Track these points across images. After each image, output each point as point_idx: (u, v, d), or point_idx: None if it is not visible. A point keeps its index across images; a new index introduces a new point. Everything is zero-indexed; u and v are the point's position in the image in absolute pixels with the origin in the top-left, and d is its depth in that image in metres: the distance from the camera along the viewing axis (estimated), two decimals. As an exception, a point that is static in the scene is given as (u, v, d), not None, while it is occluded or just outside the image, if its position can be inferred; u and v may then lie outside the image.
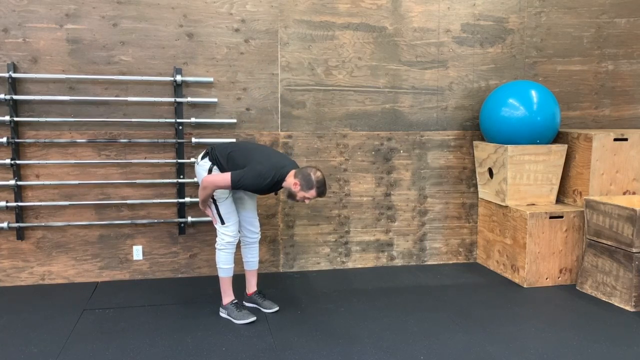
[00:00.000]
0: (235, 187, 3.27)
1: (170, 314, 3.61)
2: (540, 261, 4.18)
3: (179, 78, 4.10)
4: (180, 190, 4.24)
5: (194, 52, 4.19)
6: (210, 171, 3.44)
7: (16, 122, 3.96)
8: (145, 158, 4.20)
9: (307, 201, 3.33)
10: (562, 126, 4.78)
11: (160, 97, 4.16)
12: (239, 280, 3.92)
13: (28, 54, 3.97)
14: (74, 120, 4.04)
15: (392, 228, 4.69)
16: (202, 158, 3.50)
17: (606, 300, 3.90)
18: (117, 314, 3.59)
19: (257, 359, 2.99)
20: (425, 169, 4.69)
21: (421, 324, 3.47)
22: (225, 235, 3.48)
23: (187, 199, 4.23)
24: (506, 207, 4.36)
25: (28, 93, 4.00)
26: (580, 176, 4.32)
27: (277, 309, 3.66)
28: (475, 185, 4.78)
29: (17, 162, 3.98)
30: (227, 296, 3.57)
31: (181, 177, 4.22)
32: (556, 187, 4.40)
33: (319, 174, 3.28)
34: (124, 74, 4.10)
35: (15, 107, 3.95)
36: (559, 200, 4.52)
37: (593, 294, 4.02)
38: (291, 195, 3.33)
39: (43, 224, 4.09)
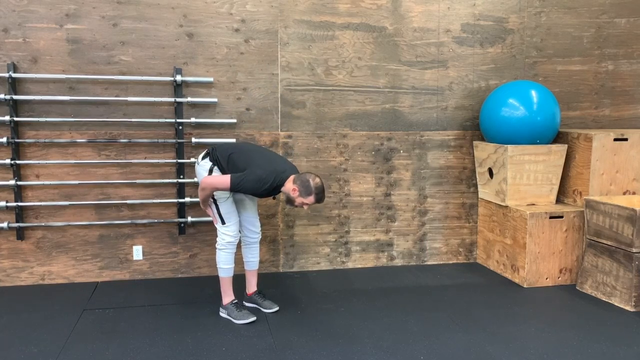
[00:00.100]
0: (234, 190, 3.28)
1: (170, 314, 3.61)
2: (540, 261, 4.18)
3: (179, 78, 4.10)
4: (180, 190, 4.24)
5: (194, 52, 4.19)
6: (210, 171, 3.44)
7: (16, 122, 3.96)
8: (145, 158, 4.20)
9: (305, 207, 3.34)
10: (562, 126, 4.79)
11: (160, 97, 4.16)
12: (239, 280, 3.92)
13: (28, 54, 3.97)
14: (74, 120, 4.04)
15: (392, 228, 4.69)
16: (203, 158, 3.50)
17: (606, 300, 3.90)
18: (117, 314, 3.59)
19: (257, 359, 2.99)
20: (425, 169, 4.69)
21: (421, 324, 3.47)
22: (226, 235, 3.48)
23: (187, 199, 4.23)
24: (506, 207, 4.36)
25: (28, 93, 4.00)
26: (580, 176, 4.32)
27: (277, 309, 3.66)
28: (475, 185, 4.78)
29: (17, 162, 3.98)
30: (227, 296, 3.57)
31: (181, 177, 4.22)
32: (556, 187, 4.40)
33: (317, 180, 3.29)
34: (124, 74, 4.10)
35: (15, 107, 3.95)
36: (559, 200, 4.52)
37: (593, 294, 4.02)
38: (290, 201, 3.34)
39: (43, 224, 4.09)
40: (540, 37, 4.74)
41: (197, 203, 4.24)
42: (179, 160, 4.18)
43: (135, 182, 4.18)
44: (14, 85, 3.94)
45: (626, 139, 4.23)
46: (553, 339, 3.26)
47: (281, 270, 4.54)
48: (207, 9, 4.18)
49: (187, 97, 4.17)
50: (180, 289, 4.09)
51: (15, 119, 3.93)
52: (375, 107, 4.54)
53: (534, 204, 4.36)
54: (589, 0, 4.78)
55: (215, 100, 4.22)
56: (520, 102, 4.26)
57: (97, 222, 4.16)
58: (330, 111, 4.47)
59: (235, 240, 3.50)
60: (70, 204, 4.12)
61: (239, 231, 3.57)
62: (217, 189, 3.34)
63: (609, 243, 3.88)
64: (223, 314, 3.57)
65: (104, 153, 4.15)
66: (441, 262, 4.81)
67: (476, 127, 4.73)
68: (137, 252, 4.27)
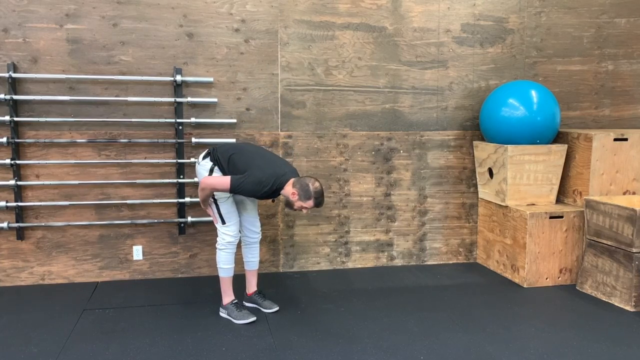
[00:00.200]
0: (234, 191, 3.28)
1: (170, 314, 3.61)
2: (540, 261, 4.18)
3: (179, 78, 4.10)
4: (180, 190, 4.24)
5: (194, 52, 4.19)
6: (211, 171, 3.44)
7: (16, 122, 3.96)
8: (145, 158, 4.20)
9: (304, 211, 3.35)
10: (562, 126, 4.79)
11: (160, 97, 4.16)
12: (239, 280, 3.92)
13: (28, 54, 3.97)
14: (74, 120, 4.04)
15: (392, 228, 4.69)
16: (204, 158, 3.50)
17: (606, 300, 3.90)
18: (117, 314, 3.59)
19: (257, 359, 2.99)
20: (425, 169, 4.69)
21: (421, 324, 3.47)
22: (226, 235, 3.48)
23: (187, 199, 4.23)
24: (506, 207, 4.36)
25: (28, 93, 4.00)
26: (580, 176, 4.32)
27: (277, 309, 3.66)
28: (475, 185, 4.78)
29: (17, 162, 3.98)
30: (227, 296, 3.57)
31: (181, 177, 4.22)
32: (556, 187, 4.40)
33: (317, 184, 3.30)
34: (124, 74, 4.10)
35: (15, 107, 3.95)
36: (559, 200, 4.52)
37: (593, 294, 4.02)
38: (289, 204, 3.35)
39: (43, 224, 4.09)
40: (540, 37, 4.74)
41: (197, 203, 4.24)
42: (179, 160, 4.18)
43: (135, 182, 4.18)
44: (14, 85, 3.94)
45: (626, 139, 4.23)
46: (553, 339, 3.26)
47: (281, 270, 4.54)
48: (207, 9, 4.18)
49: (187, 97, 4.17)
50: (180, 289, 4.09)
51: (15, 119, 3.93)
52: (375, 107, 4.54)
53: (534, 204, 4.36)
54: (589, 0, 4.78)
55: (215, 100, 4.22)
56: (520, 102, 4.26)
57: (97, 222, 4.16)
58: (330, 111, 4.47)
59: (235, 240, 3.50)
60: (70, 204, 4.12)
61: (239, 231, 3.57)
62: (217, 190, 3.34)
63: (609, 243, 3.88)
64: (223, 314, 3.57)
65: (104, 153, 4.15)
66: (441, 262, 4.81)
67: (476, 127, 4.73)
68: (137, 252, 4.27)
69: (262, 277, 4.21)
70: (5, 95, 3.88)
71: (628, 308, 3.74)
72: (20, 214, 4.05)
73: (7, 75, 3.86)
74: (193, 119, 4.17)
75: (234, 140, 4.24)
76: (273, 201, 4.36)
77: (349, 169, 4.55)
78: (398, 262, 4.74)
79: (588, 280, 4.06)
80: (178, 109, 4.16)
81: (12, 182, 3.97)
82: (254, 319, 3.48)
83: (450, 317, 3.58)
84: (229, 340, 3.22)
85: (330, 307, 3.74)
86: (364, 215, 4.62)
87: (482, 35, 4.64)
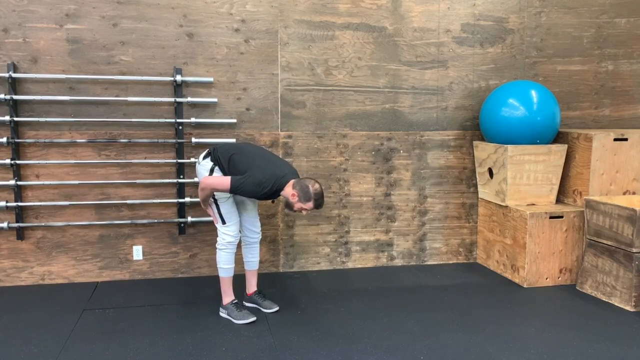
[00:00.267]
0: (234, 192, 3.29)
1: (170, 314, 3.61)
2: (540, 261, 4.18)
3: (179, 78, 4.10)
4: (180, 190, 4.24)
5: (194, 52, 4.19)
6: (211, 171, 3.44)
7: (16, 122, 3.96)
8: (145, 158, 4.20)
9: (304, 212, 3.34)
10: (562, 126, 4.79)
11: (160, 97, 4.16)
12: (239, 280, 3.92)
13: (28, 54, 3.97)
14: (74, 120, 4.04)
15: (392, 228, 4.69)
16: (204, 158, 3.50)
17: (606, 300, 3.90)
18: (117, 314, 3.59)
19: (257, 359, 2.99)
20: (425, 169, 4.69)
21: (421, 324, 3.47)
22: (226, 235, 3.48)
23: (187, 199, 4.23)
24: (506, 207, 4.36)
25: (28, 93, 4.00)
26: (580, 176, 4.32)
27: (277, 309, 3.66)
28: (475, 185, 4.78)
29: (17, 162, 3.98)
30: (227, 296, 3.57)
31: (181, 177, 4.22)
32: (556, 187, 4.40)
33: (317, 186, 3.30)
34: (124, 74, 4.10)
35: (15, 107, 3.95)
36: (559, 200, 4.52)
37: (593, 294, 4.02)
38: (289, 205, 3.35)
39: (43, 224, 4.09)
40: (540, 37, 4.74)
41: (197, 203, 4.25)
42: (179, 160, 4.18)
43: (135, 182, 4.18)
44: (14, 85, 3.94)
45: (626, 139, 4.23)
46: (553, 339, 3.26)
47: (281, 270, 4.54)
48: (207, 9, 4.18)
49: (187, 97, 4.17)
50: (180, 289, 4.09)
51: (15, 119, 3.93)
52: (375, 107, 4.54)
53: (534, 204, 4.36)
54: (589, 0, 4.78)
55: (215, 100, 4.22)
56: (520, 102, 4.26)
57: (97, 222, 4.16)
58: (330, 111, 4.47)
59: (235, 240, 3.50)
60: (70, 204, 4.12)
61: (239, 231, 3.57)
62: (217, 190, 3.35)
63: (609, 243, 3.88)
64: (223, 314, 3.57)
65: (104, 153, 4.15)
66: (441, 262, 4.81)
67: (476, 127, 4.73)
68: (137, 252, 4.27)
69: (262, 277, 4.21)
70: (5, 95, 3.88)
71: (628, 308, 3.74)
72: (20, 214, 4.05)
73: (7, 75, 3.86)
74: (193, 119, 4.17)
75: (234, 140, 4.24)
76: (273, 202, 4.37)
77: (349, 169, 4.55)
78: (398, 262, 4.74)
79: (588, 280, 4.06)
80: (178, 109, 4.16)
81: (12, 182, 3.97)
82: (254, 319, 3.48)
83: (450, 317, 3.58)
84: (229, 340, 3.22)
85: (330, 307, 3.74)
86: (364, 215, 4.62)
87: (482, 35, 4.64)
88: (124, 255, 4.26)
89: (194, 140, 4.18)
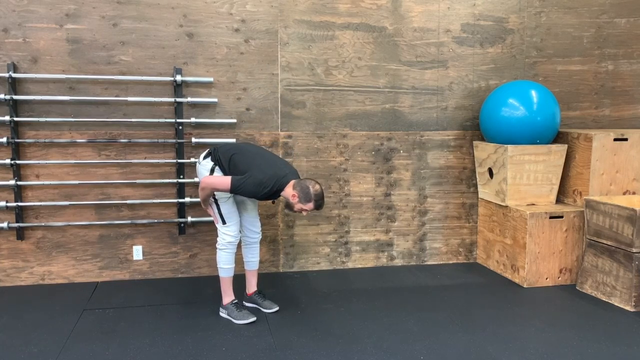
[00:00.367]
0: (234, 192, 3.28)
1: (170, 314, 3.61)
2: (540, 261, 4.18)
3: (179, 78, 4.10)
4: (180, 190, 4.24)
5: (194, 52, 4.19)
6: (212, 171, 3.44)
7: (16, 122, 3.96)
8: (145, 158, 4.20)
9: (304, 213, 3.34)
10: (562, 126, 4.79)
11: (160, 97, 4.16)
12: (239, 280, 3.92)
13: (28, 54, 3.97)
14: (74, 120, 4.04)
15: (392, 228, 4.69)
16: (204, 158, 3.50)
17: (606, 300, 3.90)
18: (117, 314, 3.59)
19: (257, 359, 2.99)
20: (425, 169, 4.69)
21: (421, 324, 3.47)
22: (227, 235, 3.48)
23: (187, 199, 4.23)
24: (506, 207, 4.36)
25: (28, 93, 4.00)
26: (580, 176, 4.32)
27: (277, 309, 3.66)
28: (475, 185, 4.78)
29: (17, 162, 3.98)
30: (227, 296, 3.57)
31: (181, 177, 4.22)
32: (556, 187, 4.40)
33: (317, 187, 3.30)
34: (124, 74, 4.10)
35: (15, 107, 3.95)
36: (559, 200, 4.52)
37: (593, 294, 4.02)
38: (289, 206, 3.35)
39: (43, 224, 4.09)
40: (540, 37, 4.74)
41: (197, 203, 4.25)
42: (179, 160, 4.18)
43: (135, 182, 4.18)
44: (14, 85, 3.94)
45: (626, 139, 4.23)
46: (553, 339, 3.26)
47: (281, 270, 4.54)
48: (207, 9, 4.18)
49: (187, 97, 4.17)
50: (180, 289, 4.09)
51: (15, 119, 3.93)
52: (375, 107, 4.54)
53: (534, 204, 4.36)
54: (589, 0, 4.78)
55: (215, 100, 4.22)
56: (520, 102, 4.26)
57: (97, 222, 4.16)
58: (330, 111, 4.47)
59: (235, 241, 3.50)
60: (70, 204, 4.12)
61: (240, 231, 3.57)
62: (217, 190, 3.35)
63: (609, 243, 3.88)
64: (223, 314, 3.57)
65: (104, 153, 4.15)
66: (441, 262, 4.81)
67: (476, 127, 4.73)
68: (137, 252, 4.27)
69: (262, 277, 4.21)
70: (5, 95, 3.88)
71: (628, 308, 3.74)
72: (20, 214, 4.05)
73: (7, 75, 3.86)
74: (193, 119, 4.17)
75: (234, 140, 4.24)
76: (273, 202, 4.37)
77: (349, 169, 4.55)
78: (398, 262, 4.74)
79: (588, 280, 4.06)
80: (178, 109, 4.16)
81: (12, 182, 3.97)
82: (254, 319, 3.48)
83: (450, 317, 3.58)
84: (229, 340, 3.22)
85: (330, 307, 3.74)
86: (364, 215, 4.62)
87: (482, 35, 4.64)
88: (124, 255, 4.26)
89: (194, 140, 4.18)
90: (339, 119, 4.49)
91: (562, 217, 4.18)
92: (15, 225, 4.03)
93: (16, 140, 3.96)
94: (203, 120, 4.20)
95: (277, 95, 4.36)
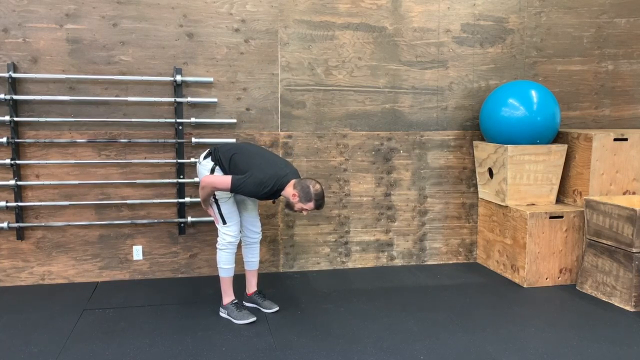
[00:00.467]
0: (234, 191, 3.28)
1: (170, 314, 3.61)
2: (540, 261, 4.18)
3: (179, 78, 4.10)
4: (180, 190, 4.24)
5: (194, 52, 4.19)
6: (212, 171, 3.44)
7: (16, 122, 3.96)
8: (145, 158, 4.20)
9: (305, 212, 3.34)
10: (562, 126, 4.79)
11: (160, 97, 4.16)
12: (239, 280, 3.92)
13: (28, 54, 3.97)
14: (74, 120, 4.04)
15: (392, 228, 4.69)
16: (205, 158, 3.50)
17: (606, 300, 3.90)
18: (117, 314, 3.59)
19: (257, 359, 2.99)
20: (425, 169, 4.69)
21: (421, 324, 3.47)
22: (227, 235, 3.48)
23: (187, 199, 4.23)
24: (506, 207, 4.36)
25: (28, 93, 4.00)
26: (580, 176, 4.32)
27: (277, 309, 3.66)
28: (475, 185, 4.78)
29: (17, 162, 3.98)
30: (228, 296, 3.57)
31: (181, 177, 4.22)
32: (556, 187, 4.40)
33: (318, 186, 3.30)
34: (124, 74, 4.10)
35: (15, 107, 3.95)
36: (559, 200, 4.52)
37: (593, 294, 4.02)
38: (289, 206, 3.35)
39: (43, 224, 4.09)
40: (540, 37, 4.74)
41: (197, 203, 4.24)
42: (179, 160, 4.18)
43: (135, 182, 4.18)
44: (14, 85, 3.94)
45: (626, 139, 4.23)
46: (553, 339, 3.26)
47: (281, 270, 4.54)
48: (207, 9, 4.18)
49: (187, 97, 4.17)
50: (180, 289, 4.09)
51: (15, 119, 3.93)
52: (375, 107, 4.54)
53: (534, 204, 4.36)
54: (589, 0, 4.78)
55: (215, 100, 4.22)
56: (520, 102, 4.26)
57: (97, 222, 4.16)
58: (330, 111, 4.47)
59: (236, 241, 3.50)
60: (70, 204, 4.12)
61: (240, 231, 3.57)
62: (217, 189, 3.34)
63: (609, 243, 3.88)
64: (223, 314, 3.57)
65: (104, 153, 4.15)
66: (441, 262, 4.81)
67: (476, 127, 4.73)
68: (137, 252, 4.27)
69: (262, 277, 4.21)
70: (5, 95, 3.88)
71: (628, 308, 3.74)
72: (20, 214, 4.05)
73: (7, 75, 3.86)
74: (193, 119, 4.17)
75: (234, 140, 4.24)
76: (274, 202, 4.37)
77: (349, 169, 4.55)
78: (398, 262, 4.74)
79: (588, 280, 4.06)
80: (178, 109, 4.16)
81: (12, 182, 3.97)
82: (254, 319, 3.48)
83: (450, 317, 3.58)
84: (229, 340, 3.22)
85: (330, 307, 3.74)
86: (364, 215, 4.62)
87: (482, 35, 4.64)
88: (124, 255, 4.26)
89: (194, 140, 4.18)
90: (339, 119, 4.49)
91: (562, 217, 4.18)
92: (15, 225, 4.03)
93: (16, 140, 3.96)
94: (203, 120, 4.20)
95: (277, 95, 4.36)
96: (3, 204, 3.98)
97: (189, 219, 4.25)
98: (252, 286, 3.77)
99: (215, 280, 3.91)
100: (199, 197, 4.06)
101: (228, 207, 3.46)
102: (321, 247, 4.58)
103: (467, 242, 4.84)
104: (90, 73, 4.06)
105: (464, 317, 3.59)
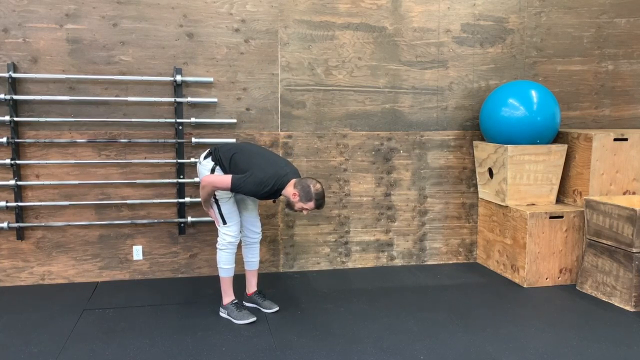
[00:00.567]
0: (234, 191, 3.28)
1: (170, 314, 3.61)
2: (540, 261, 4.18)
3: (179, 78, 4.10)
4: (180, 190, 4.24)
5: (194, 52, 4.19)
6: (212, 171, 3.44)
7: (16, 122, 3.96)
8: (145, 158, 4.20)
9: (305, 212, 3.34)
10: (562, 126, 4.79)
11: (160, 97, 4.16)
12: (239, 280, 3.92)
13: (28, 54, 3.97)
14: (74, 120, 4.04)
15: (392, 228, 4.69)
16: (205, 158, 3.50)
17: (606, 300, 3.90)
18: (117, 314, 3.59)
19: (257, 359, 2.99)
20: (425, 169, 4.69)
21: (421, 324, 3.47)
22: (227, 235, 3.48)
23: (187, 199, 4.23)
24: (506, 207, 4.36)
25: (28, 93, 4.00)
26: (580, 176, 4.32)
27: (277, 309, 3.66)
28: (475, 185, 4.78)
29: (17, 162, 3.98)
30: (228, 296, 3.57)
31: (181, 177, 4.22)
32: (556, 187, 4.40)
33: (318, 186, 3.30)
34: (124, 74, 4.10)
35: (15, 107, 3.95)
36: (559, 200, 4.52)
37: (593, 294, 4.02)
38: (289, 205, 3.35)
39: (43, 224, 4.09)
40: (540, 37, 4.74)
41: (197, 203, 4.24)
42: (179, 160, 4.18)
43: (135, 182, 4.18)
44: (14, 85, 3.94)
45: (626, 139, 4.23)
46: (553, 339, 3.26)
47: (281, 270, 4.54)
48: (207, 9, 4.18)
49: (187, 97, 4.17)
50: (180, 289, 4.09)
51: (15, 119, 3.93)
52: (375, 107, 4.54)
53: (534, 204, 4.36)
54: (589, 0, 4.78)
55: (215, 100, 4.22)
56: (520, 102, 4.26)
57: (97, 222, 4.16)
58: (330, 111, 4.47)
59: (236, 241, 3.50)
60: (70, 204, 4.12)
61: (240, 231, 3.57)
62: (218, 189, 3.34)
63: (609, 243, 3.88)
64: (223, 314, 3.57)
65: (104, 153, 4.15)
66: (441, 262, 4.81)
67: (476, 127, 4.73)
68: (137, 252, 4.27)
69: (262, 277, 4.21)
70: (5, 95, 3.88)
71: (628, 308, 3.74)
72: (20, 214, 4.05)
73: (7, 75, 3.86)
74: (193, 119, 4.17)
75: (234, 140, 4.24)
76: (274, 202, 4.37)
77: (349, 169, 4.55)
78: (398, 262, 4.74)
79: (588, 280, 4.06)
80: (178, 109, 4.16)
81: (12, 182, 3.97)
82: (254, 319, 3.48)
83: (450, 317, 3.58)
84: (229, 340, 3.22)
85: (330, 307, 3.74)
86: (364, 215, 4.62)
87: (482, 35, 4.64)
88: (124, 255, 4.26)
89: (194, 140, 4.18)
90: (339, 119, 4.49)
91: (562, 217, 4.18)
92: (15, 225, 4.03)
93: (16, 140, 3.96)
94: (203, 120, 4.20)
95: (277, 95, 4.36)
96: (3, 204, 3.98)
97: (189, 219, 4.25)
98: (252, 286, 3.77)
99: (215, 280, 3.91)
100: (199, 197, 4.07)
101: (228, 207, 3.46)
102: (321, 247, 4.58)
103: (467, 242, 4.85)
104: (90, 73, 4.06)
105: (464, 317, 3.59)
